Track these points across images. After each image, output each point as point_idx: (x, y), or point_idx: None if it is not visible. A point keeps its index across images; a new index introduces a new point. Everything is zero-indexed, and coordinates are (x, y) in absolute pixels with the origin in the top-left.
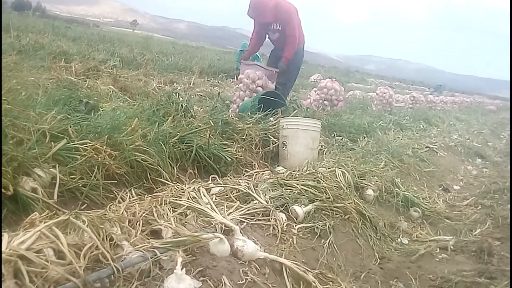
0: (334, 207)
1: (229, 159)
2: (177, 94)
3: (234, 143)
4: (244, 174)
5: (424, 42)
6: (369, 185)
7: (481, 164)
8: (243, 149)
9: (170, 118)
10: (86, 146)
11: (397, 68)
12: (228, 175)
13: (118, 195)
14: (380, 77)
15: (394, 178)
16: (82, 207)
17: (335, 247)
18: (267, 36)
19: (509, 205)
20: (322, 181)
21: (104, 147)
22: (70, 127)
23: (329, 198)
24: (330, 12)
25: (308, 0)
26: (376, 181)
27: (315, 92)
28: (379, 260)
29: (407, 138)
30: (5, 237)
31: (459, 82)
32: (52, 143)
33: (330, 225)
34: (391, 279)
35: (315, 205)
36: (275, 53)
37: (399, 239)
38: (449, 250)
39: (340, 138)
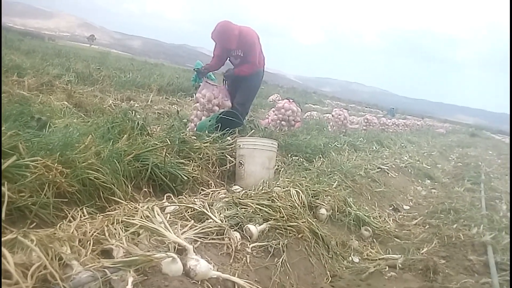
0: (288, 226)
1: (185, 178)
2: (133, 111)
3: (191, 161)
4: (200, 193)
5: (378, 66)
6: (323, 205)
7: (430, 185)
8: (200, 168)
9: (125, 136)
10: (37, 163)
11: (352, 91)
12: (184, 193)
13: (69, 214)
14: (336, 99)
15: (347, 197)
16: (31, 226)
17: (288, 265)
18: (228, 58)
19: (455, 225)
20: (276, 201)
21: (56, 164)
22: (21, 143)
23: (283, 217)
24: (288, 34)
25: (267, 21)
26: (330, 201)
27: (273, 112)
28: (330, 279)
29: (360, 159)
30: None
31: (411, 106)
32: (2, 159)
33: (283, 243)
34: None
35: (269, 224)
36: (231, 73)
37: (350, 258)
38: (398, 268)
39: (297, 158)
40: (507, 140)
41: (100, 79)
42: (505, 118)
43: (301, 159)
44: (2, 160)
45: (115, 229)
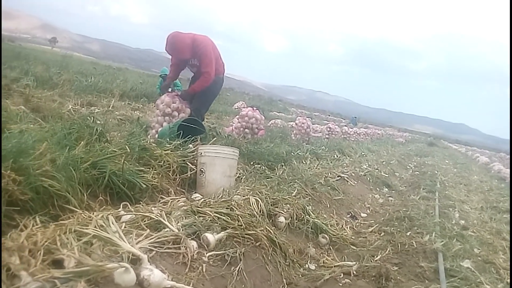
0: (245, 234)
1: (144, 186)
2: (92, 117)
3: (151, 169)
4: (159, 201)
5: (340, 75)
6: (281, 213)
7: (387, 193)
8: (160, 176)
9: (82, 142)
10: None
11: (317, 99)
12: (142, 202)
13: (21, 222)
14: (302, 107)
15: (306, 205)
16: None
17: (245, 274)
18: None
19: (409, 232)
20: (235, 209)
21: (8, 171)
22: None
23: (241, 225)
24: (253, 41)
25: (231, 29)
26: (289, 209)
27: (237, 120)
28: (286, 286)
29: (321, 167)
30: None
31: (372, 115)
32: None
33: (241, 252)
34: None
35: (227, 232)
36: (194, 80)
37: (307, 265)
38: (352, 275)
39: (259, 166)
40: (464, 150)
41: (60, 83)
42: (461, 129)
43: (263, 167)
44: None
45: (67, 238)
